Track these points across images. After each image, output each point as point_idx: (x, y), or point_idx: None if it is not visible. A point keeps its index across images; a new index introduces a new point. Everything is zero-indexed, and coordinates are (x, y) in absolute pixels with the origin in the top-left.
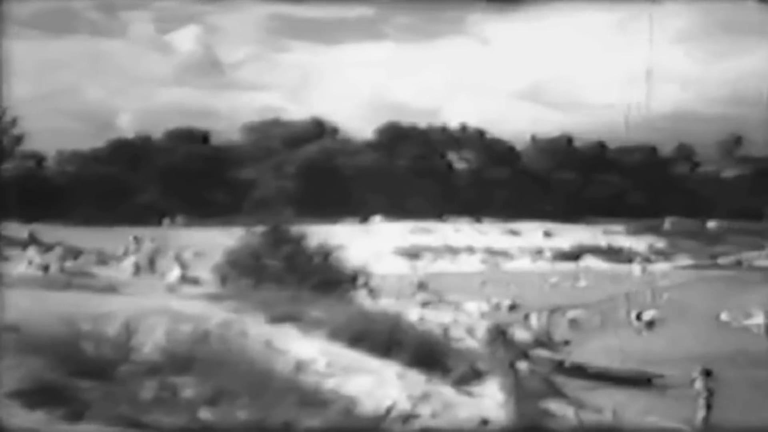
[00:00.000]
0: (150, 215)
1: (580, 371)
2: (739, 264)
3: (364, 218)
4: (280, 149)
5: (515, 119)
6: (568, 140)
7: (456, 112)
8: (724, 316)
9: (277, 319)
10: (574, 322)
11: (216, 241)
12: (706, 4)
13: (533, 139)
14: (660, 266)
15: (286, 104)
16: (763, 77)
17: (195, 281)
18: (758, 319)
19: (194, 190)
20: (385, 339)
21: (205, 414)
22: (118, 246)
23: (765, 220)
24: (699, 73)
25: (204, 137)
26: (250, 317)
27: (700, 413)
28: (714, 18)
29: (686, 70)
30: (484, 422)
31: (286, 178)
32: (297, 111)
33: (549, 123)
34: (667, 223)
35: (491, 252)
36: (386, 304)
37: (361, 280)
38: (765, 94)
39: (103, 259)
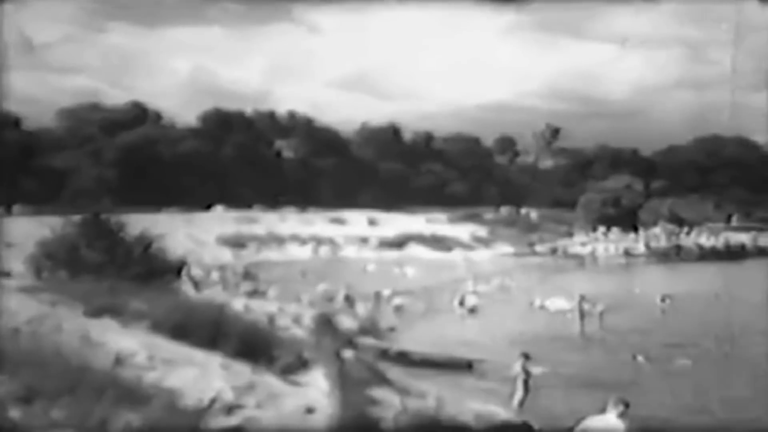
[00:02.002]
0: None
1: (405, 358)
2: (554, 251)
3: (190, 207)
4: (98, 135)
5: (343, 108)
6: (395, 130)
7: (283, 100)
8: (540, 302)
9: (96, 311)
10: (399, 310)
11: (29, 232)
12: (531, 2)
13: (361, 127)
14: (481, 254)
15: (105, 88)
16: (579, 74)
17: (7, 274)
18: (572, 304)
19: (5, 178)
20: (208, 330)
21: (16, 413)
22: None
23: (578, 208)
24: (521, 67)
25: (15, 122)
26: (66, 310)
27: (518, 395)
28: (538, 17)
29: (509, 65)
30: (309, 411)
31: (104, 165)
32: (117, 96)
33: (377, 112)
34: (488, 212)
35: (317, 240)
36: (210, 294)
37: (184, 271)
38: (581, 90)
39: None
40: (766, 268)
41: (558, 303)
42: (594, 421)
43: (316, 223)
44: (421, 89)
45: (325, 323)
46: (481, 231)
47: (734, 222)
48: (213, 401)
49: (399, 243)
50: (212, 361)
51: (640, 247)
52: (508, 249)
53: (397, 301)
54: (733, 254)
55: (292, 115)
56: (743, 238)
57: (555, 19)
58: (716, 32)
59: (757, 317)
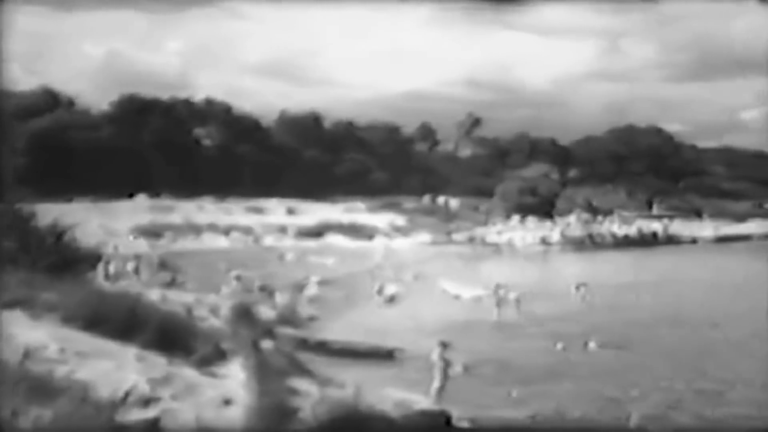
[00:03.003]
0: None
1: (324, 348)
2: (472, 240)
3: (106, 196)
4: (6, 121)
5: (264, 95)
6: (316, 117)
7: (203, 87)
8: (457, 290)
9: (5, 304)
10: (318, 299)
11: None
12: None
13: (281, 115)
14: (400, 242)
15: (14, 73)
16: (500, 64)
17: None
18: (488, 292)
19: None
20: (123, 321)
21: None
22: None
23: (495, 197)
24: (443, 56)
25: None
26: None
27: (436, 383)
28: (461, 7)
29: (431, 54)
30: (227, 402)
31: (14, 153)
32: (27, 81)
33: (297, 100)
34: (408, 201)
35: (236, 230)
36: (125, 284)
37: (97, 261)
38: (502, 79)
39: None
40: (676, 256)
41: (474, 291)
42: None
43: (235, 212)
44: (343, 77)
45: (243, 313)
46: (400, 220)
47: (655, 210)
48: (127, 394)
49: (318, 232)
50: (127, 353)
51: (556, 236)
52: (426, 238)
53: (317, 290)
54: (646, 242)
55: (209, 102)
56: (655, 226)
57: (478, 8)
58: (633, 24)
59: (668, 305)
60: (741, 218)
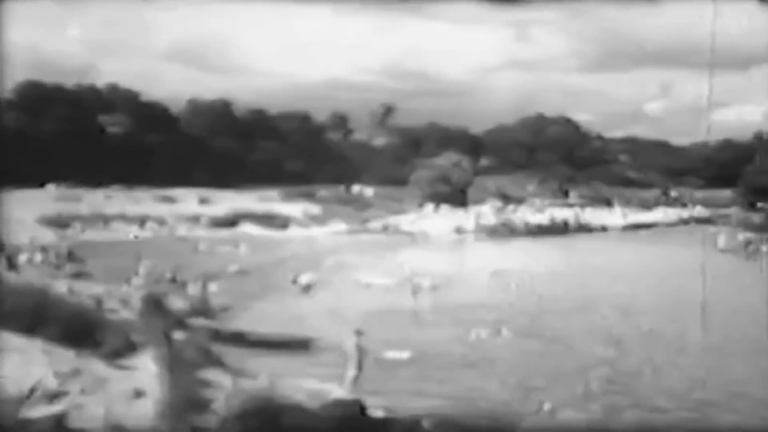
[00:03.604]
0: None
1: (238, 338)
2: (386, 228)
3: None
4: None
5: (171, 81)
6: (227, 105)
7: (109, 73)
8: (371, 279)
9: None
10: (232, 289)
11: None
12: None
13: (191, 102)
14: (314, 231)
15: None
16: (413, 54)
17: None
18: (402, 280)
19: None
20: (29, 314)
21: None
22: None
23: (409, 186)
24: (356, 45)
25: None
26: None
27: (350, 373)
28: None
29: (345, 42)
30: (138, 395)
31: None
32: None
33: (208, 87)
34: (322, 190)
35: (146, 220)
36: (31, 276)
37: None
38: (415, 68)
39: None
40: (587, 243)
41: (389, 279)
42: None
43: (145, 201)
44: (255, 64)
45: (154, 304)
46: (315, 209)
47: (571, 198)
48: (33, 389)
49: (231, 222)
50: (33, 347)
51: (470, 224)
52: (341, 227)
53: (231, 280)
54: (558, 230)
55: (115, 89)
56: (567, 214)
57: None
58: (544, 15)
59: (580, 292)
60: (648, 206)
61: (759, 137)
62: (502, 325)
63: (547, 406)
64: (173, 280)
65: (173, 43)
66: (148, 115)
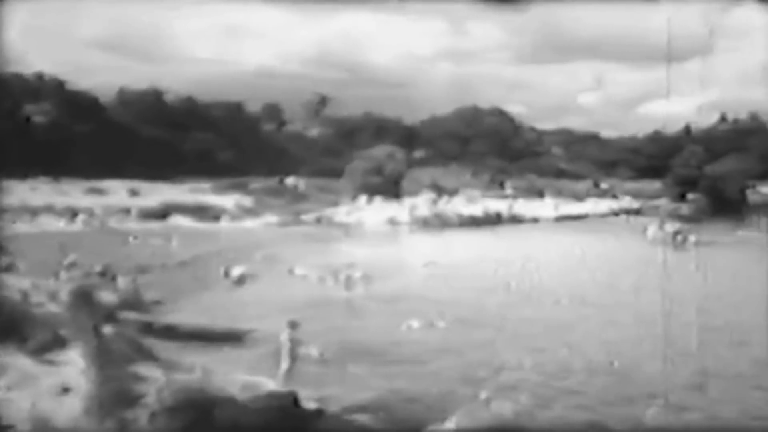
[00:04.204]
0: None
1: (171, 331)
2: (319, 220)
3: None
4: None
5: (99, 70)
6: (157, 94)
7: (35, 62)
8: (304, 271)
9: None
10: (164, 282)
11: None
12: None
13: (120, 91)
14: (247, 223)
15: None
16: (348, 43)
17: None
18: (335, 272)
19: None
20: None
21: None
22: None
23: (343, 177)
24: (290, 34)
25: None
26: None
27: (284, 365)
28: None
29: (278, 31)
30: (65, 390)
31: None
32: None
33: (138, 76)
34: (255, 181)
35: (75, 212)
36: None
37: None
38: (349, 57)
39: None
40: (519, 233)
41: (322, 271)
42: None
43: (72, 193)
44: (185, 53)
45: (83, 298)
46: (247, 201)
47: (508, 190)
48: None
49: (162, 214)
50: None
51: (404, 216)
52: (274, 219)
53: (163, 273)
54: (491, 221)
55: (40, 77)
56: (500, 205)
57: None
58: (479, 5)
59: (514, 282)
60: (579, 197)
61: (688, 130)
62: (436, 316)
63: (483, 396)
64: (103, 274)
65: (102, 31)
66: (76, 104)
